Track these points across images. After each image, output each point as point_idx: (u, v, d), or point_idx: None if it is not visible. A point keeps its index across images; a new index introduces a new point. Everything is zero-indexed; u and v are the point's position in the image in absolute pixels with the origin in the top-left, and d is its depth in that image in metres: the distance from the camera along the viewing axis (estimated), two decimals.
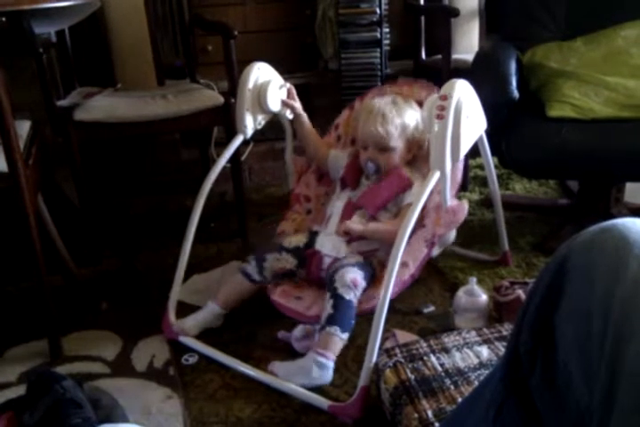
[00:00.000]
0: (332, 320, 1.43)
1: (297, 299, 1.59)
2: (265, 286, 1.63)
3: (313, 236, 1.67)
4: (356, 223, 1.58)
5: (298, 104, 1.79)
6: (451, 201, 1.53)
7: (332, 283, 1.48)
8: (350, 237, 1.60)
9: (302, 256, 1.63)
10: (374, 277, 1.56)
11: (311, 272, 1.62)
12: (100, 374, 1.50)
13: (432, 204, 1.56)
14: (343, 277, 1.47)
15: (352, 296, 1.46)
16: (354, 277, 1.48)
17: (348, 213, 1.64)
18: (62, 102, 2.04)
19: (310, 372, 1.38)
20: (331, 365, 1.40)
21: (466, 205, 1.54)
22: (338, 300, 1.45)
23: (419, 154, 1.69)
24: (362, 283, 1.49)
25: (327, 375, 1.40)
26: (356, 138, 1.77)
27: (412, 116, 1.64)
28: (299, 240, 1.67)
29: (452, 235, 1.63)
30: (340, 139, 1.86)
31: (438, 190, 1.53)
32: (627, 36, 1.93)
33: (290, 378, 1.39)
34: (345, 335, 1.43)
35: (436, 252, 1.62)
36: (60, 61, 2.33)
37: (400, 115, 1.63)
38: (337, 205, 1.70)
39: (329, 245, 1.62)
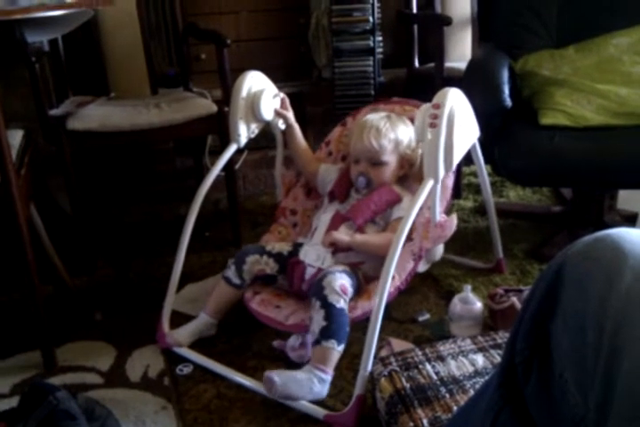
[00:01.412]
0: (327, 333, 1.38)
1: (276, 308, 1.56)
2: (244, 291, 1.61)
3: (297, 246, 1.66)
4: (343, 234, 1.56)
5: (291, 114, 1.79)
6: (440, 216, 1.53)
7: (321, 290, 1.43)
8: (336, 248, 1.57)
9: (284, 264, 1.61)
10: (358, 289, 1.54)
11: (293, 283, 1.60)
12: (94, 385, 1.49)
13: (421, 219, 1.55)
14: (332, 283, 1.43)
15: (343, 304, 1.42)
16: (342, 283, 1.44)
17: (334, 225, 1.61)
18: (55, 111, 2.04)
19: (310, 386, 1.35)
20: (329, 379, 1.38)
21: (455, 221, 1.54)
22: (330, 309, 1.40)
23: (410, 172, 1.68)
24: (350, 290, 1.46)
25: (325, 390, 1.37)
26: (348, 154, 1.77)
27: (405, 133, 1.64)
28: (282, 247, 1.65)
29: (440, 251, 1.62)
30: (331, 155, 1.86)
31: (428, 206, 1.53)
32: (618, 44, 1.94)
33: (287, 389, 1.34)
34: (341, 347, 1.39)
35: (422, 268, 1.61)
36: (53, 70, 2.33)
37: (394, 130, 1.63)
38: (323, 217, 1.68)
39: (313, 255, 1.59)
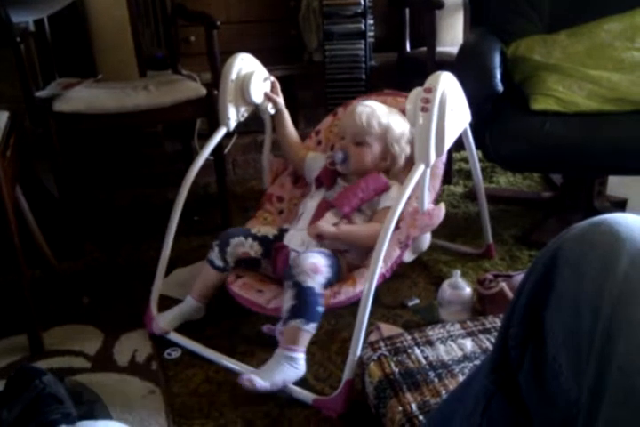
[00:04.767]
0: (295, 312, 1.37)
1: (258, 292, 1.54)
2: (227, 274, 1.59)
3: (283, 231, 1.64)
4: (328, 224, 1.53)
5: (281, 99, 1.77)
6: (428, 205, 1.52)
7: (291, 270, 1.41)
8: (322, 240, 1.54)
9: (269, 247, 1.59)
10: (340, 275, 1.53)
11: (277, 267, 1.58)
12: (82, 369, 1.48)
13: (409, 207, 1.54)
14: (302, 262, 1.40)
15: (312, 283, 1.38)
16: (313, 262, 1.41)
17: (320, 211, 1.60)
18: (41, 93, 2.01)
19: (284, 369, 1.34)
20: (301, 357, 1.37)
21: (443, 210, 1.53)
22: (298, 288, 1.38)
23: (392, 169, 1.67)
24: (324, 270, 1.42)
25: (300, 368, 1.36)
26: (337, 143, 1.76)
27: (398, 123, 1.63)
28: (268, 231, 1.64)
29: (427, 241, 1.61)
30: (321, 144, 1.85)
31: (416, 195, 1.52)
32: (610, 30, 1.94)
33: (270, 379, 1.32)
34: (311, 326, 1.37)
35: (409, 257, 1.61)
36: (39, 51, 2.29)
37: (389, 116, 1.62)
38: (309, 203, 1.66)
39: (298, 240, 1.58)
